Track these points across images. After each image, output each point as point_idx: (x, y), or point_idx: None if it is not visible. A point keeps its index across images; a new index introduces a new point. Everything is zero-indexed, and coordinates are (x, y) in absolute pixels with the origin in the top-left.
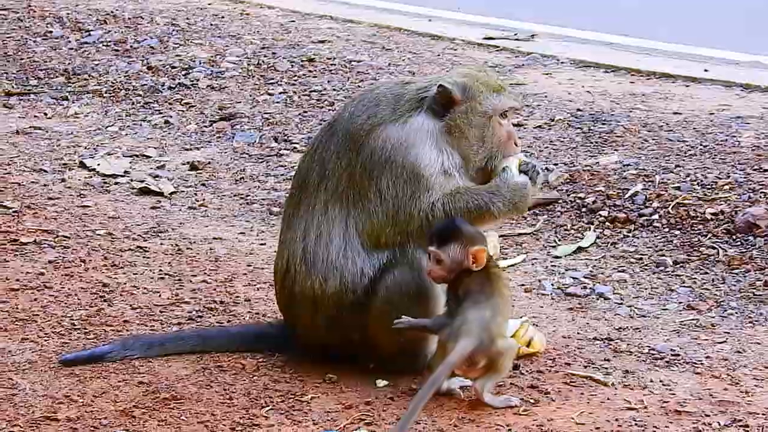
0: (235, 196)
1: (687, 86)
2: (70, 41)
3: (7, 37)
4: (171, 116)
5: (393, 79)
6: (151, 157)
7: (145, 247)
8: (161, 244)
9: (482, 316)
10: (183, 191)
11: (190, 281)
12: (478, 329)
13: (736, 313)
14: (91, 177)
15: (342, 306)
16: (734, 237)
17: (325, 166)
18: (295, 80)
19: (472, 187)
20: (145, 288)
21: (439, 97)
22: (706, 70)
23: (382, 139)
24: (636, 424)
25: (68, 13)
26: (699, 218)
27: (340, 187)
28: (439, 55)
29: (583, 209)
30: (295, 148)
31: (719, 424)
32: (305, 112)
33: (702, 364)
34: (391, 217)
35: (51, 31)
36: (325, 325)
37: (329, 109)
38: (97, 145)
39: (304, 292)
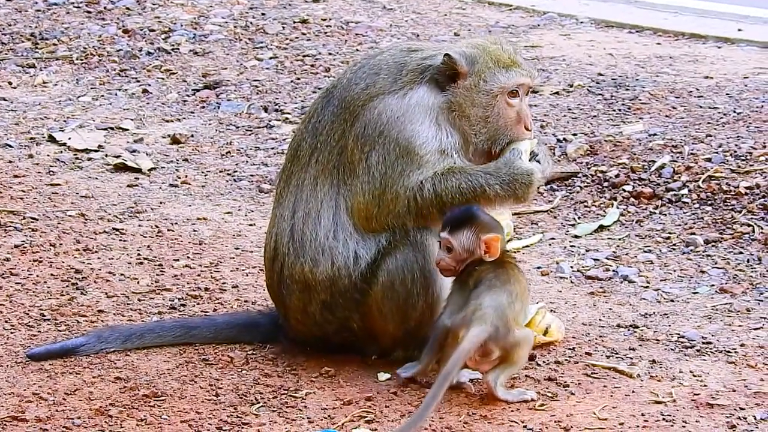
0: (220, 172)
1: (719, 47)
2: (37, 2)
3: None
4: (149, 85)
5: (400, 45)
6: (127, 129)
7: (122, 229)
8: (139, 225)
9: (499, 301)
10: (163, 167)
11: (172, 266)
12: (493, 315)
13: None
14: (61, 152)
15: (336, 291)
16: None
17: (317, 137)
18: (287, 44)
19: (467, 167)
20: (121, 274)
21: (444, 67)
22: (740, 30)
23: (379, 111)
24: (664, 419)
25: None
26: (732, 192)
27: (331, 161)
28: (446, 15)
29: (605, 184)
30: (286, 118)
31: (755, 418)
32: (298, 78)
33: (736, 352)
34: (377, 197)
35: None
36: (318, 312)
37: (324, 76)
38: (68, 117)
39: (294, 275)
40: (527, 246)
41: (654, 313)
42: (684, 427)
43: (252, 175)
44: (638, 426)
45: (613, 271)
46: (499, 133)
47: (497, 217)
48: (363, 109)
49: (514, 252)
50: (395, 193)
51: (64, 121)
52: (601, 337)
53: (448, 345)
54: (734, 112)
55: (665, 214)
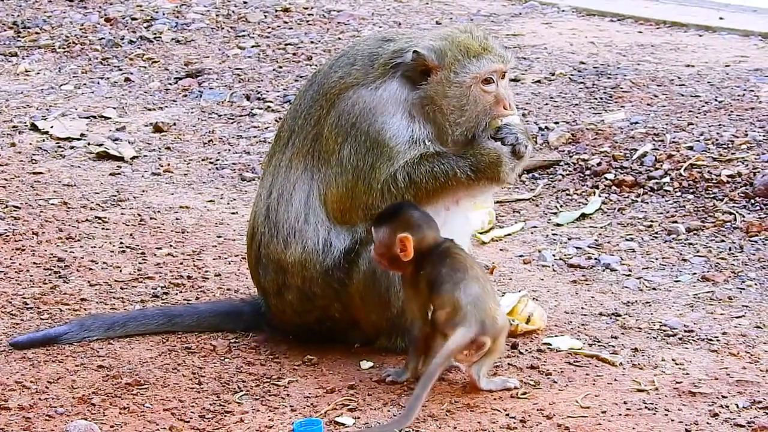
0: (203, 160)
1: (700, 36)
2: None
3: None
4: (132, 73)
5: (378, 34)
6: (110, 118)
7: (104, 218)
8: (122, 213)
9: (474, 293)
10: (146, 155)
11: (154, 254)
12: (474, 312)
13: (756, 284)
14: (43, 140)
15: (308, 278)
16: (753, 201)
17: (296, 120)
18: (269, 32)
19: (439, 151)
20: (104, 262)
21: (414, 64)
22: (721, 18)
23: (353, 102)
24: (646, 407)
25: None
26: (714, 181)
27: (306, 146)
28: (427, 4)
29: (587, 172)
30: (268, 107)
31: (737, 406)
32: (280, 67)
33: (718, 340)
34: (350, 189)
35: None
36: (297, 301)
37: (306, 64)
38: (50, 106)
39: (270, 254)
40: (509, 234)
41: (636, 301)
42: (666, 415)
43: (234, 164)
44: (620, 414)
45: (595, 259)
46: (480, 119)
47: (482, 205)
48: (338, 99)
49: (497, 240)
50: (368, 186)
51: (47, 109)
52: (583, 325)
53: (435, 344)
54: (716, 100)
55: (647, 203)
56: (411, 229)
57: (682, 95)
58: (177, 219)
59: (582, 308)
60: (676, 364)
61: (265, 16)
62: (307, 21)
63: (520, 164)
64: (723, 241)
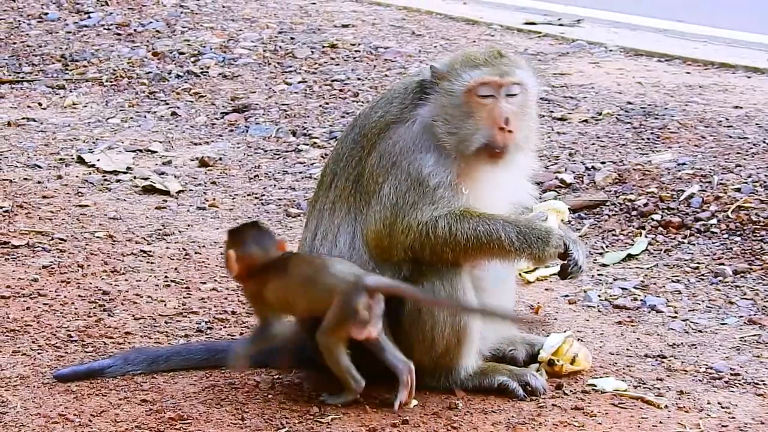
0: (248, 195)
1: (749, 77)
2: (67, 24)
3: None
4: (178, 107)
5: (414, 72)
6: (156, 152)
7: (150, 251)
8: (167, 247)
9: (335, 267)
10: (191, 190)
11: (199, 289)
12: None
13: None
14: (90, 173)
15: None
16: None
17: (338, 163)
18: (316, 68)
19: (485, 212)
20: (149, 296)
21: (431, 80)
22: None
23: (393, 141)
24: None
25: None
26: (762, 223)
27: (347, 188)
28: (474, 42)
29: (634, 212)
30: (314, 143)
31: None
32: (326, 103)
33: (765, 384)
34: (388, 226)
35: (46, 13)
36: None
37: (352, 101)
38: (97, 139)
39: None
40: (554, 274)
41: (682, 343)
42: None
43: (280, 199)
44: None
45: (641, 300)
46: (469, 132)
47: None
48: (379, 139)
49: (542, 279)
50: (407, 225)
51: (93, 142)
52: (628, 366)
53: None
54: (764, 142)
55: (694, 244)
56: (235, 246)
57: (730, 137)
58: (222, 254)
59: (627, 350)
60: (722, 407)
61: (312, 52)
62: (354, 57)
63: (555, 256)
64: None
